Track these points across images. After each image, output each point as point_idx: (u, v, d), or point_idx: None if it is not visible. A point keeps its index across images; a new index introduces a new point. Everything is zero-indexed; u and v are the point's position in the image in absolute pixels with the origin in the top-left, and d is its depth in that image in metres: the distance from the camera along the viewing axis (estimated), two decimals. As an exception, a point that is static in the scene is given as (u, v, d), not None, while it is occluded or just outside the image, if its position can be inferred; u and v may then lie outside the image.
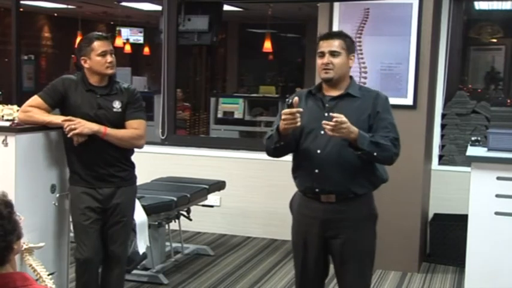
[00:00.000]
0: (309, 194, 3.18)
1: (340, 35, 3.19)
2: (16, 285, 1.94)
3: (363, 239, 3.18)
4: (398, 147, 3.13)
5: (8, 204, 1.97)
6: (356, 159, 3.06)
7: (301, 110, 2.95)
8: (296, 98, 2.96)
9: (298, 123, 2.95)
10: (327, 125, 2.94)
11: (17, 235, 1.98)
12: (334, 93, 3.16)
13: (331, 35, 3.18)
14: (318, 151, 3.10)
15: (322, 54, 3.13)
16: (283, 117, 2.95)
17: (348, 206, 3.13)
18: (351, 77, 3.23)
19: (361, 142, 2.98)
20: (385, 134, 3.08)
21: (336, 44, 3.12)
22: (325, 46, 3.13)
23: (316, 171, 3.10)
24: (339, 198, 3.12)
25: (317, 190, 3.13)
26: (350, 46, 3.18)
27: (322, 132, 3.06)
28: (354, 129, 2.97)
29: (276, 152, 3.17)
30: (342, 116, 2.94)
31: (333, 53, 3.11)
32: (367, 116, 3.11)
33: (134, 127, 3.67)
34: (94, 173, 3.64)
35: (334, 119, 2.93)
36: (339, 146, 3.06)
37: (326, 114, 3.07)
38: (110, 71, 3.64)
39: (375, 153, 3.02)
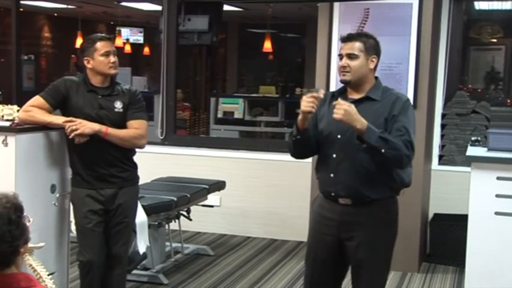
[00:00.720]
0: (328, 196, 3.19)
1: (359, 36, 3.16)
2: (20, 285, 1.95)
3: (377, 243, 3.16)
4: (411, 151, 3.03)
5: (18, 208, 1.98)
6: (371, 163, 3.04)
7: (321, 96, 2.98)
8: (321, 90, 3.02)
9: (313, 110, 2.97)
10: (337, 103, 2.95)
11: (25, 240, 1.99)
12: (357, 96, 3.14)
13: (349, 38, 3.15)
14: (334, 155, 3.10)
15: (341, 57, 3.13)
16: (305, 99, 2.96)
17: (364, 209, 3.12)
18: (376, 78, 3.19)
19: (369, 135, 2.94)
20: (397, 135, 3.02)
21: (353, 47, 3.10)
22: (343, 49, 3.13)
23: (332, 175, 3.12)
24: (355, 201, 3.12)
25: (333, 194, 3.15)
26: (370, 48, 3.13)
27: (339, 136, 3.08)
28: (362, 121, 2.93)
29: (295, 147, 3.17)
30: (346, 102, 2.94)
31: (350, 56, 3.09)
32: (383, 120, 3.06)
33: (135, 127, 3.67)
34: (95, 174, 3.64)
35: (335, 102, 2.95)
36: (354, 150, 3.04)
37: None
38: (113, 71, 3.65)
39: (383, 150, 2.94)
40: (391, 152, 2.97)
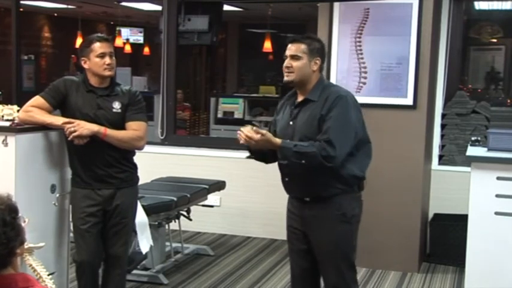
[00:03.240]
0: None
1: (304, 39, 3.24)
2: (18, 286, 1.94)
3: (334, 238, 3.24)
4: (332, 148, 3.04)
5: (13, 209, 1.97)
6: None
7: (257, 137, 3.09)
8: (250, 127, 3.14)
9: (245, 142, 3.13)
10: (240, 133, 3.14)
11: (20, 241, 1.98)
12: (301, 98, 3.25)
13: (294, 40, 3.25)
14: (285, 161, 3.21)
15: (285, 58, 3.23)
16: (244, 130, 3.12)
17: (319, 206, 3.24)
18: (319, 79, 3.25)
19: (284, 153, 3.12)
20: (319, 138, 3.08)
21: (297, 48, 3.20)
22: (288, 50, 3.23)
23: (286, 179, 3.30)
24: (312, 199, 3.25)
25: (292, 195, 3.35)
26: (314, 50, 3.21)
27: (287, 141, 3.17)
28: (275, 141, 3.09)
29: (258, 160, 3.42)
30: (249, 131, 3.09)
31: (294, 57, 3.20)
32: (317, 121, 3.13)
33: (134, 128, 3.66)
34: (93, 174, 3.64)
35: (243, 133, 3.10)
36: None
37: (291, 123, 3.21)
38: (107, 73, 3.63)
39: (303, 161, 3.08)
40: (311, 161, 3.08)
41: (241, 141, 3.14)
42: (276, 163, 3.33)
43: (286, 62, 3.21)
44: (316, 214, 3.23)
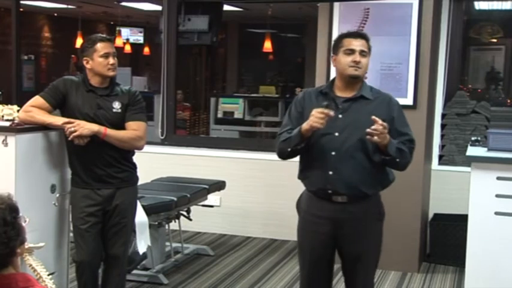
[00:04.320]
0: (321, 194, 3.19)
1: (366, 36, 3.22)
2: (18, 285, 1.94)
3: (371, 238, 3.23)
4: (412, 155, 3.21)
5: (13, 209, 1.97)
6: (368, 161, 3.11)
7: (332, 113, 2.99)
8: (332, 111, 3.02)
9: (322, 126, 2.98)
10: (375, 130, 2.96)
11: (21, 240, 1.98)
12: (347, 94, 3.17)
13: (361, 35, 3.21)
14: (333, 153, 3.11)
15: (352, 52, 3.13)
16: (317, 115, 2.97)
17: (358, 206, 3.15)
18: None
19: (391, 148, 3.06)
20: (402, 140, 3.14)
21: (364, 44, 3.17)
22: (356, 45, 3.15)
23: (330, 172, 3.12)
24: (351, 199, 3.14)
25: (330, 191, 3.15)
26: (370, 49, 3.23)
27: (337, 134, 3.10)
28: (388, 136, 3.04)
29: (291, 154, 3.19)
30: (383, 123, 2.99)
31: (362, 53, 3.14)
32: (382, 121, 3.08)
33: (134, 128, 3.66)
34: (93, 174, 3.64)
35: (380, 124, 2.96)
36: (352, 148, 3.09)
37: (340, 116, 3.10)
38: (111, 73, 3.64)
39: (397, 159, 3.10)
40: (403, 161, 3.14)
41: (319, 125, 2.97)
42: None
43: (357, 57, 3.12)
44: (358, 215, 3.15)
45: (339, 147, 3.10)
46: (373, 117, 2.98)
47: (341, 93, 3.18)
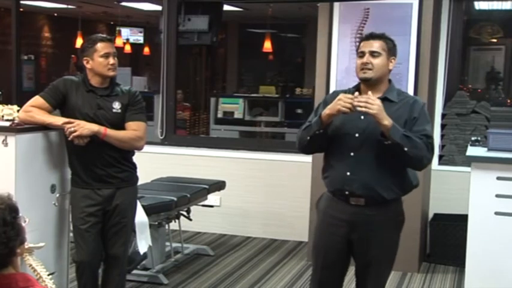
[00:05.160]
0: (339, 195, 3.17)
1: (381, 36, 3.18)
2: (18, 285, 1.94)
3: (387, 243, 3.18)
4: (432, 153, 3.08)
5: (13, 209, 1.97)
6: (389, 163, 3.05)
7: (357, 99, 2.95)
8: (357, 93, 3.02)
9: (349, 111, 2.95)
10: (359, 101, 2.93)
11: (20, 240, 1.98)
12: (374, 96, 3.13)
13: (372, 36, 3.17)
14: (352, 153, 3.09)
15: (362, 54, 3.12)
16: (344, 99, 2.95)
17: (376, 210, 3.11)
18: (390, 81, 3.21)
19: (394, 132, 2.95)
20: (418, 136, 3.04)
21: (376, 45, 3.12)
22: (365, 46, 3.13)
23: (348, 173, 3.09)
24: (368, 202, 3.10)
25: (347, 192, 3.12)
26: (392, 49, 3.17)
27: (357, 135, 3.08)
28: (388, 118, 2.95)
29: (310, 144, 3.13)
30: (375, 97, 2.96)
31: (373, 53, 3.10)
32: (403, 122, 3.06)
33: (134, 128, 3.66)
34: (93, 174, 3.64)
35: (366, 97, 2.94)
36: (372, 149, 3.05)
37: (362, 117, 3.06)
38: (111, 73, 3.64)
39: (406, 148, 2.95)
40: (413, 151, 2.98)
41: (346, 109, 2.94)
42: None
43: (365, 58, 3.09)
44: (374, 219, 3.10)
45: (358, 148, 3.07)
46: (356, 93, 2.98)
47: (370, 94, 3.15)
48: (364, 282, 3.24)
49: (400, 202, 3.21)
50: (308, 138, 3.11)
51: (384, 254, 3.17)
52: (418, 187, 3.28)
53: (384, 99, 3.09)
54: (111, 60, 3.62)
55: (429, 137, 3.07)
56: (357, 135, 3.08)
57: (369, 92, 3.00)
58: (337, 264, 3.23)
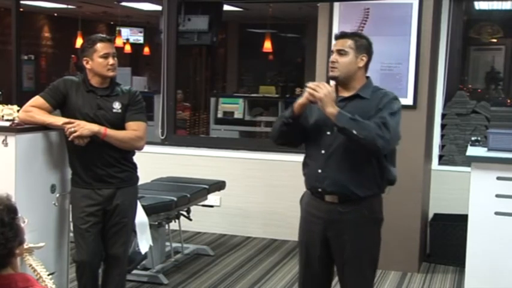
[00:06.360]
0: (315, 193, 3.20)
1: (351, 34, 3.20)
2: (17, 286, 1.94)
3: (364, 241, 3.17)
4: (385, 131, 2.98)
5: (11, 210, 1.96)
6: (358, 160, 3.07)
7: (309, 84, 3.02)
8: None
9: (312, 97, 3.00)
10: (309, 87, 3.01)
11: (19, 241, 1.98)
12: (346, 93, 3.17)
13: (341, 35, 3.20)
14: (323, 151, 3.12)
15: (332, 53, 3.16)
16: (311, 85, 3.01)
17: (350, 207, 3.12)
18: (368, 78, 3.22)
19: (339, 118, 2.97)
20: (375, 120, 3.02)
21: (343, 43, 3.14)
22: (335, 45, 3.17)
23: (319, 171, 3.13)
24: (342, 199, 3.13)
25: (320, 190, 3.15)
26: (361, 46, 3.16)
27: (329, 132, 3.10)
28: (334, 106, 2.98)
29: (280, 131, 3.16)
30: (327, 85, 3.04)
31: (340, 52, 3.13)
32: (369, 116, 3.06)
33: (134, 128, 3.66)
34: (93, 174, 3.64)
35: (315, 83, 3.01)
36: (342, 147, 3.07)
37: None
38: (111, 74, 3.64)
39: (354, 131, 2.94)
40: (363, 133, 2.95)
41: (306, 94, 3.02)
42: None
43: (332, 57, 3.14)
44: (348, 217, 3.11)
45: (329, 146, 3.10)
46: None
47: (342, 93, 3.19)
48: (343, 282, 3.25)
49: (378, 200, 3.21)
50: (278, 126, 3.17)
51: (360, 252, 3.17)
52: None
53: (356, 97, 3.14)
54: (111, 61, 3.62)
55: (384, 121, 3.01)
56: (328, 133, 3.11)
57: (330, 84, 3.07)
58: (317, 261, 3.23)
